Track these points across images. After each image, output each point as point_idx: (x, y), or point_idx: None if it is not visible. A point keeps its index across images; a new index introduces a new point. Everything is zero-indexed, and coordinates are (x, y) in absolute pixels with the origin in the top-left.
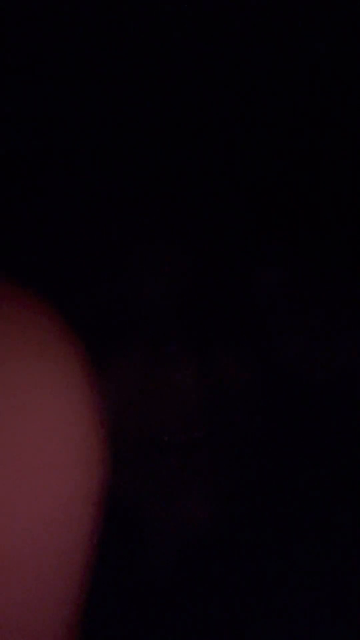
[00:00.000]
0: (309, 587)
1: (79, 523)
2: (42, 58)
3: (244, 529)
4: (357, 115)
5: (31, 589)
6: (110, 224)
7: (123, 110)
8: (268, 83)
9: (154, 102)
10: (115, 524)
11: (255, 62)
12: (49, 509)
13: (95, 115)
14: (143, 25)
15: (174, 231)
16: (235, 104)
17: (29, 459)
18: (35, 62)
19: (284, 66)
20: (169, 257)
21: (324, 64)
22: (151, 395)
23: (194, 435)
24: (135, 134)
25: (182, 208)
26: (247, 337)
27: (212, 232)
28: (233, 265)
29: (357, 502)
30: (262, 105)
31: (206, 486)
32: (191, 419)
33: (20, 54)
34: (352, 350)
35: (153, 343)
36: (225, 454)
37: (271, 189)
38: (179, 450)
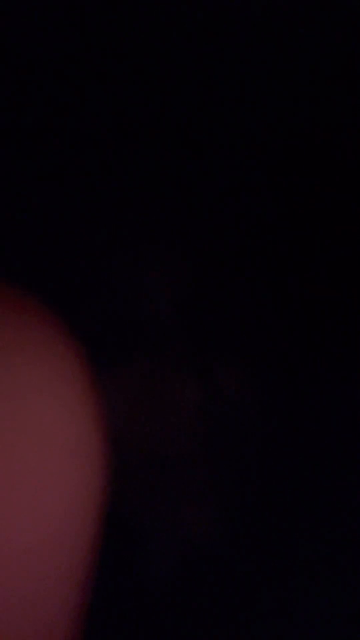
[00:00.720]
0: (313, 599)
1: (78, 531)
2: (42, 58)
3: (245, 542)
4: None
5: (29, 596)
6: (114, 230)
7: (126, 112)
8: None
9: (155, 104)
10: (115, 533)
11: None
12: (48, 516)
13: (97, 115)
14: (142, 25)
15: (178, 239)
16: (237, 105)
17: (28, 466)
18: (35, 63)
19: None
20: (173, 265)
21: (324, 66)
22: (153, 404)
23: (196, 446)
24: (136, 135)
25: (188, 216)
26: (250, 348)
27: (217, 241)
28: (237, 275)
29: None
30: (264, 105)
31: (208, 498)
32: (193, 429)
33: (20, 55)
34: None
35: (155, 352)
36: (227, 465)
37: (277, 195)
38: (181, 460)
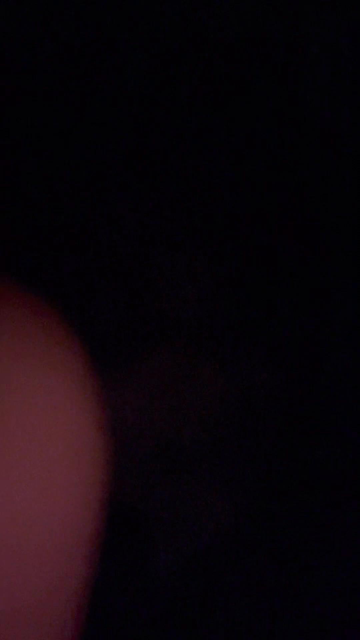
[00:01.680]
0: (320, 598)
1: (82, 528)
2: (41, 59)
3: (256, 538)
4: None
5: (33, 592)
6: (121, 228)
7: (133, 113)
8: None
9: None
10: (118, 529)
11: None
12: (51, 512)
13: (101, 116)
14: (142, 25)
15: (192, 232)
16: (239, 107)
17: (33, 463)
18: (34, 64)
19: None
20: (189, 258)
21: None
22: (165, 397)
23: (204, 442)
24: (142, 136)
25: (199, 212)
26: (264, 342)
27: (231, 232)
28: (251, 270)
29: None
30: (266, 106)
31: (215, 495)
32: (202, 424)
33: (20, 57)
34: None
35: (169, 344)
36: (240, 460)
37: (291, 196)
38: (188, 456)
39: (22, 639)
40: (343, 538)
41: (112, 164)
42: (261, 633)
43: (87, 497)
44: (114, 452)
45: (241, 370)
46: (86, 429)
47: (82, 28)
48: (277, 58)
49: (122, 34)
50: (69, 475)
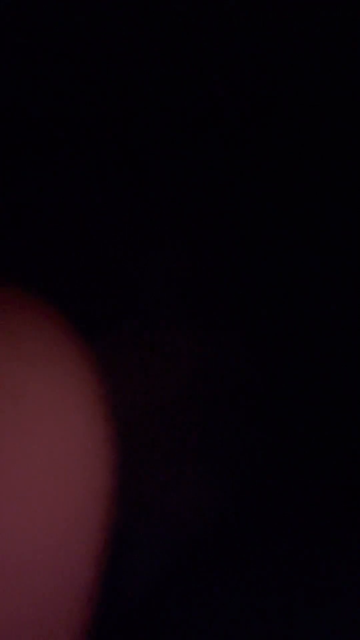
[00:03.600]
0: (316, 594)
1: (85, 524)
2: (40, 60)
3: (250, 526)
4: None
5: (37, 590)
6: (111, 220)
7: (124, 106)
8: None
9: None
10: (121, 522)
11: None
12: (54, 510)
13: (96, 112)
14: (141, 25)
15: (173, 223)
16: (238, 104)
17: (34, 461)
18: (33, 65)
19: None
20: (171, 248)
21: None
22: (159, 393)
23: (200, 433)
24: (133, 131)
25: (183, 196)
26: (249, 323)
27: (213, 220)
28: (233, 251)
29: None
30: (265, 102)
31: (215, 484)
32: (190, 400)
33: (19, 58)
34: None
35: (159, 337)
36: (224, 438)
37: (273, 185)
38: (186, 449)
39: None
40: (342, 536)
41: (94, 162)
42: (254, 633)
43: (90, 493)
44: (114, 448)
45: (224, 345)
46: (87, 425)
47: (83, 28)
48: (277, 57)
49: (122, 34)
50: (70, 473)
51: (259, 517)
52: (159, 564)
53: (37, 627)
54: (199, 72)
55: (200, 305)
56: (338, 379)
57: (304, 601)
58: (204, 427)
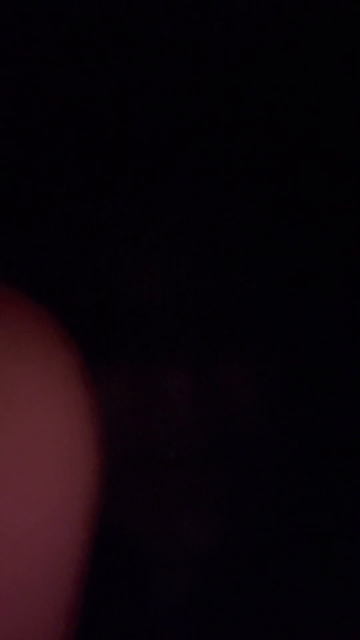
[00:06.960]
0: (322, 620)
1: (70, 535)
2: (40, 61)
3: (249, 554)
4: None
5: (20, 600)
6: (110, 232)
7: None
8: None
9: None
10: (107, 539)
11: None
12: (39, 518)
13: (94, 111)
14: (140, 26)
15: (172, 238)
16: (238, 102)
17: (20, 467)
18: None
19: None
20: (170, 258)
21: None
22: (150, 408)
23: (194, 450)
24: (134, 130)
25: (184, 206)
26: (247, 344)
27: (212, 237)
28: (232, 271)
29: None
30: (264, 103)
31: (208, 505)
32: (192, 433)
33: (19, 58)
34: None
35: (152, 354)
36: (228, 469)
37: (275, 191)
38: (178, 465)
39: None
40: (343, 538)
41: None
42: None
43: (77, 499)
44: (102, 455)
45: (225, 371)
46: (76, 430)
47: (82, 29)
48: (277, 55)
49: (121, 33)
50: (58, 477)
51: (268, 536)
52: (171, 587)
53: (25, 628)
54: (199, 72)
55: (198, 327)
56: (340, 402)
57: (316, 620)
58: (206, 451)
